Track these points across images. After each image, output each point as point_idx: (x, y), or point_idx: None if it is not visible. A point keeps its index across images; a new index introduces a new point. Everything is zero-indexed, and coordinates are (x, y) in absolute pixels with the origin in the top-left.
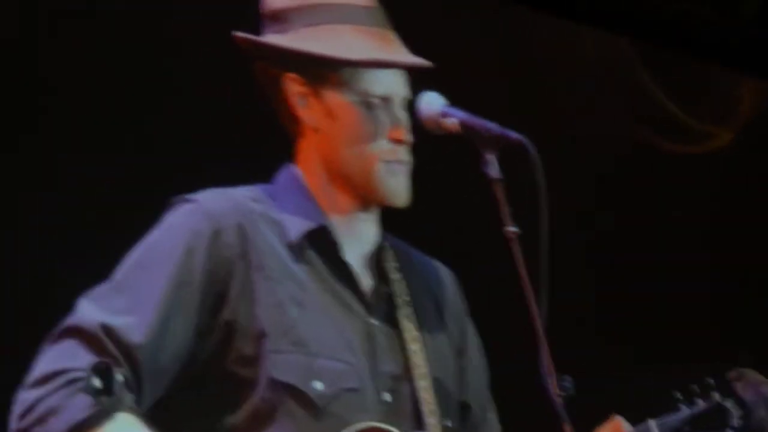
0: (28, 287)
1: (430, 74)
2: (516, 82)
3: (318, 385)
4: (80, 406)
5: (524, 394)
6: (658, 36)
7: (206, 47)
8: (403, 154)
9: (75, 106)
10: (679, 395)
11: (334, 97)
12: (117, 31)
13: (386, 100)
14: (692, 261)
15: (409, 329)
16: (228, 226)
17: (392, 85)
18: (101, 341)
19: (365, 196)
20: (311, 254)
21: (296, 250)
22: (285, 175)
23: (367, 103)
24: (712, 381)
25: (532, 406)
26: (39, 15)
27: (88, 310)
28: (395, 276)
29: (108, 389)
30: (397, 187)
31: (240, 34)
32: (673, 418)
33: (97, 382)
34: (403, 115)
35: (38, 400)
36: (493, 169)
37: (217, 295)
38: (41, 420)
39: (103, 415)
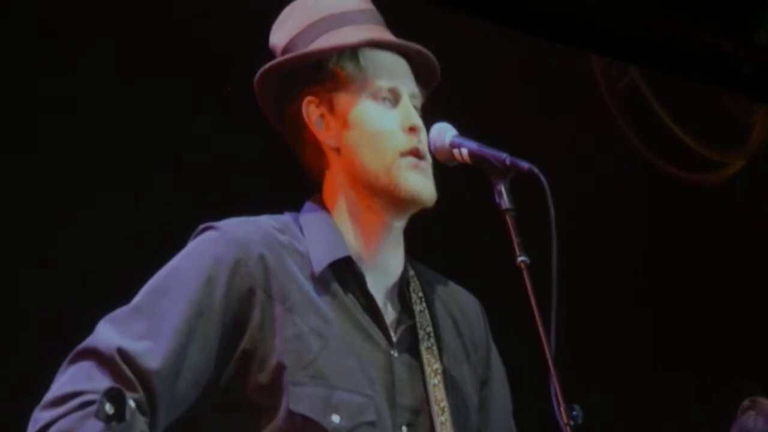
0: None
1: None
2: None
3: (336, 419)
4: (91, 431)
5: (544, 424)
6: (669, 64)
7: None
8: (420, 146)
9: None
10: None
11: (347, 103)
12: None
13: (395, 93)
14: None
15: (431, 362)
16: (251, 255)
17: (398, 76)
18: (117, 365)
19: (391, 199)
20: (335, 286)
21: (320, 281)
22: (310, 206)
23: (378, 98)
24: None
25: None
26: None
27: (106, 333)
28: (419, 307)
29: (120, 415)
30: (420, 183)
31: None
32: None
33: (109, 408)
34: (413, 106)
35: (51, 422)
36: (504, 199)
37: (236, 325)
38: None
39: None
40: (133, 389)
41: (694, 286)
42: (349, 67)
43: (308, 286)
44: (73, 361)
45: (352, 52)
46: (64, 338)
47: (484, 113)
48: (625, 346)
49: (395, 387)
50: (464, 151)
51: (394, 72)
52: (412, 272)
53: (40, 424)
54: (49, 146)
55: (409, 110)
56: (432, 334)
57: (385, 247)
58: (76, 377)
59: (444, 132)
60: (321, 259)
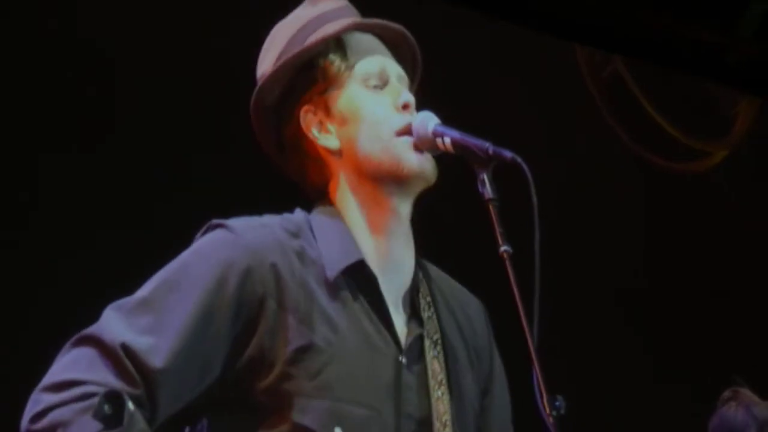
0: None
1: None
2: (516, 101)
3: None
4: (88, 430)
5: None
6: (653, 54)
7: None
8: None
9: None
10: None
11: (340, 99)
12: None
13: (383, 77)
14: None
15: (436, 372)
16: (263, 262)
17: (384, 59)
18: (120, 359)
19: (396, 180)
20: (346, 292)
21: (332, 287)
22: (322, 209)
23: (369, 85)
24: None
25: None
26: None
27: (112, 323)
28: (427, 313)
29: (118, 419)
30: (420, 160)
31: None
32: None
33: (107, 409)
34: (402, 86)
35: (50, 408)
36: (488, 189)
37: (244, 330)
38: (50, 430)
39: None
40: (135, 385)
41: (683, 276)
42: (336, 60)
43: (320, 294)
44: (77, 345)
45: (336, 43)
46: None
47: (466, 104)
48: (609, 337)
49: (402, 396)
50: (447, 140)
51: (379, 55)
52: (421, 275)
53: (39, 407)
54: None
55: (398, 89)
56: (439, 342)
57: (396, 241)
58: (78, 363)
59: (427, 121)
60: (334, 265)
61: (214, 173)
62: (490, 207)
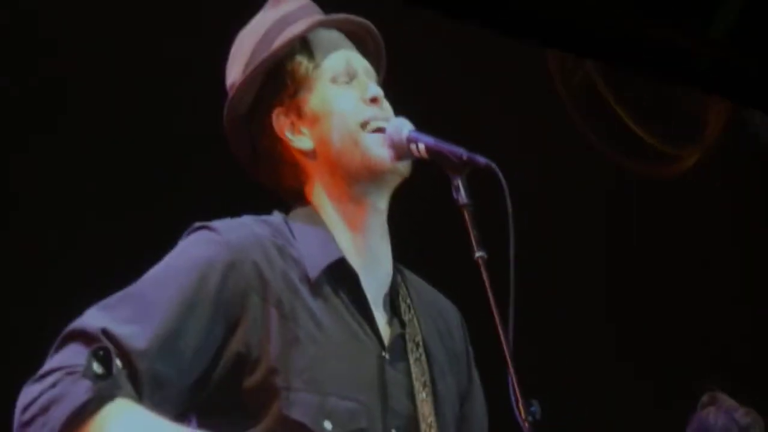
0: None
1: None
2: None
3: (328, 425)
4: (80, 391)
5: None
6: (624, 58)
7: None
8: (386, 115)
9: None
10: None
11: (310, 99)
12: None
13: (350, 72)
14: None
15: (419, 375)
16: (245, 259)
17: (350, 54)
18: (102, 342)
19: (370, 176)
20: (329, 289)
21: (315, 286)
22: (300, 210)
23: (337, 82)
24: None
25: None
26: None
27: (93, 316)
28: (408, 315)
29: (107, 372)
30: (389, 154)
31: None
32: None
33: (96, 367)
34: (369, 79)
35: (41, 393)
36: (462, 194)
37: (226, 325)
38: (44, 409)
39: (102, 398)
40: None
41: (652, 279)
42: (303, 61)
43: (303, 292)
44: (61, 346)
45: (302, 43)
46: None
47: (440, 110)
48: (584, 341)
49: (387, 390)
50: (421, 146)
51: (344, 50)
52: (399, 278)
53: (30, 396)
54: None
55: (365, 83)
56: (420, 344)
57: (373, 236)
58: (63, 355)
59: (401, 127)
60: (316, 264)
61: (213, 173)
62: (465, 212)
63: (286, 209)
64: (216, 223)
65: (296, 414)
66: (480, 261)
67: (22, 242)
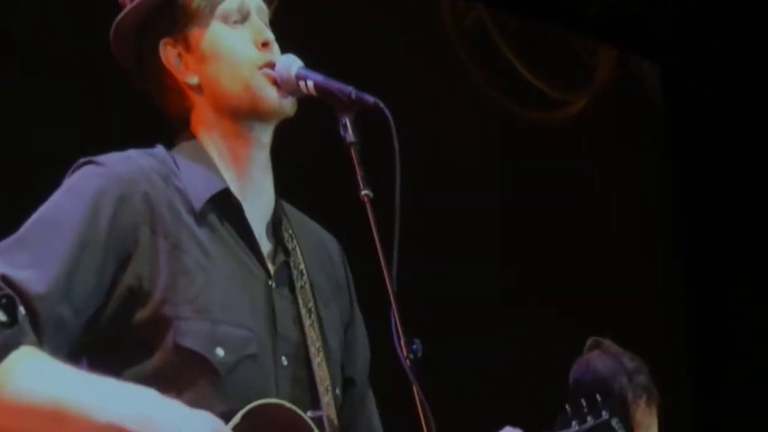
0: None
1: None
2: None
3: (220, 352)
4: None
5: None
6: (515, 3)
7: None
8: (275, 59)
9: None
10: (569, 410)
11: (200, 36)
12: None
13: (243, 12)
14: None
15: (305, 301)
16: (135, 192)
17: None
18: (4, 290)
19: (256, 115)
20: (214, 219)
21: (200, 216)
22: (184, 143)
23: (229, 21)
24: (599, 398)
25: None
26: None
27: None
28: (291, 245)
29: (12, 320)
30: (278, 96)
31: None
32: None
33: (1, 315)
34: (262, 22)
35: None
36: (349, 133)
37: (120, 258)
38: None
39: (8, 346)
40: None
41: (543, 223)
42: (199, 4)
43: (190, 222)
44: None
45: None
46: None
47: (332, 50)
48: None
49: (276, 317)
50: (310, 83)
51: None
52: (281, 210)
53: None
54: None
55: (259, 26)
56: (304, 272)
57: (256, 168)
58: None
59: (290, 64)
60: (200, 195)
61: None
62: (352, 150)
63: (169, 142)
64: (102, 158)
65: (188, 342)
66: (366, 199)
67: None
